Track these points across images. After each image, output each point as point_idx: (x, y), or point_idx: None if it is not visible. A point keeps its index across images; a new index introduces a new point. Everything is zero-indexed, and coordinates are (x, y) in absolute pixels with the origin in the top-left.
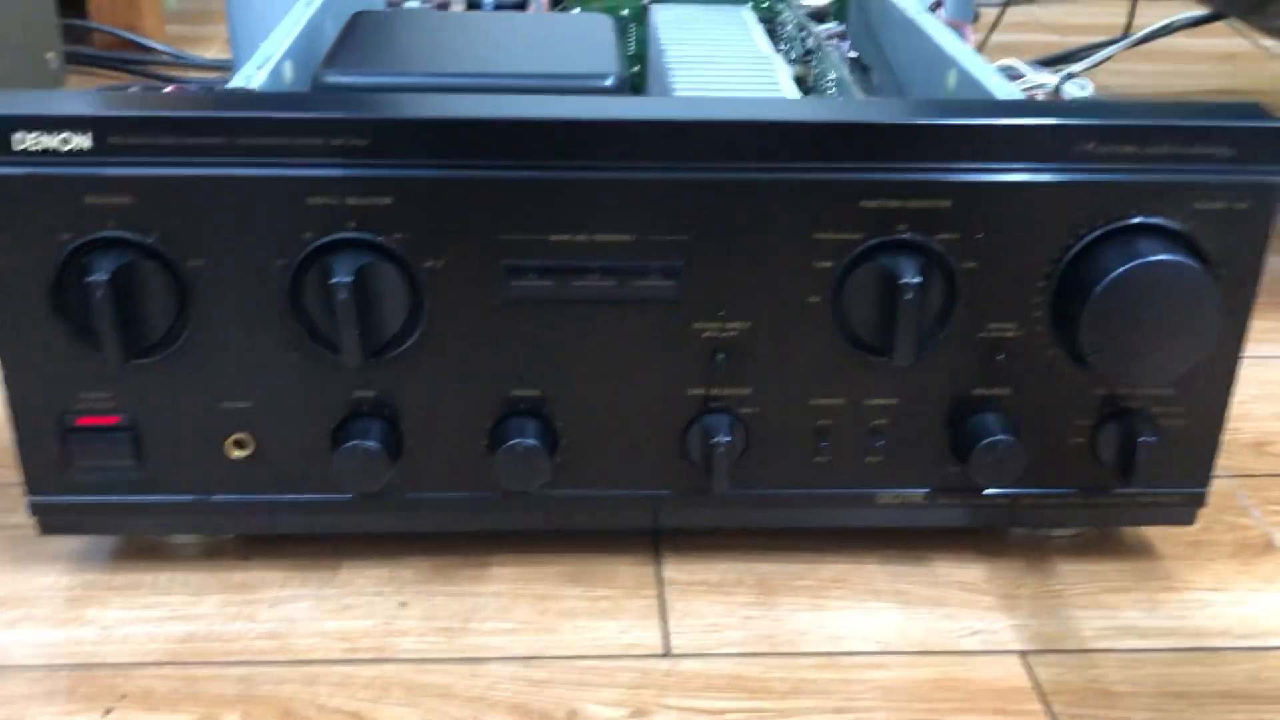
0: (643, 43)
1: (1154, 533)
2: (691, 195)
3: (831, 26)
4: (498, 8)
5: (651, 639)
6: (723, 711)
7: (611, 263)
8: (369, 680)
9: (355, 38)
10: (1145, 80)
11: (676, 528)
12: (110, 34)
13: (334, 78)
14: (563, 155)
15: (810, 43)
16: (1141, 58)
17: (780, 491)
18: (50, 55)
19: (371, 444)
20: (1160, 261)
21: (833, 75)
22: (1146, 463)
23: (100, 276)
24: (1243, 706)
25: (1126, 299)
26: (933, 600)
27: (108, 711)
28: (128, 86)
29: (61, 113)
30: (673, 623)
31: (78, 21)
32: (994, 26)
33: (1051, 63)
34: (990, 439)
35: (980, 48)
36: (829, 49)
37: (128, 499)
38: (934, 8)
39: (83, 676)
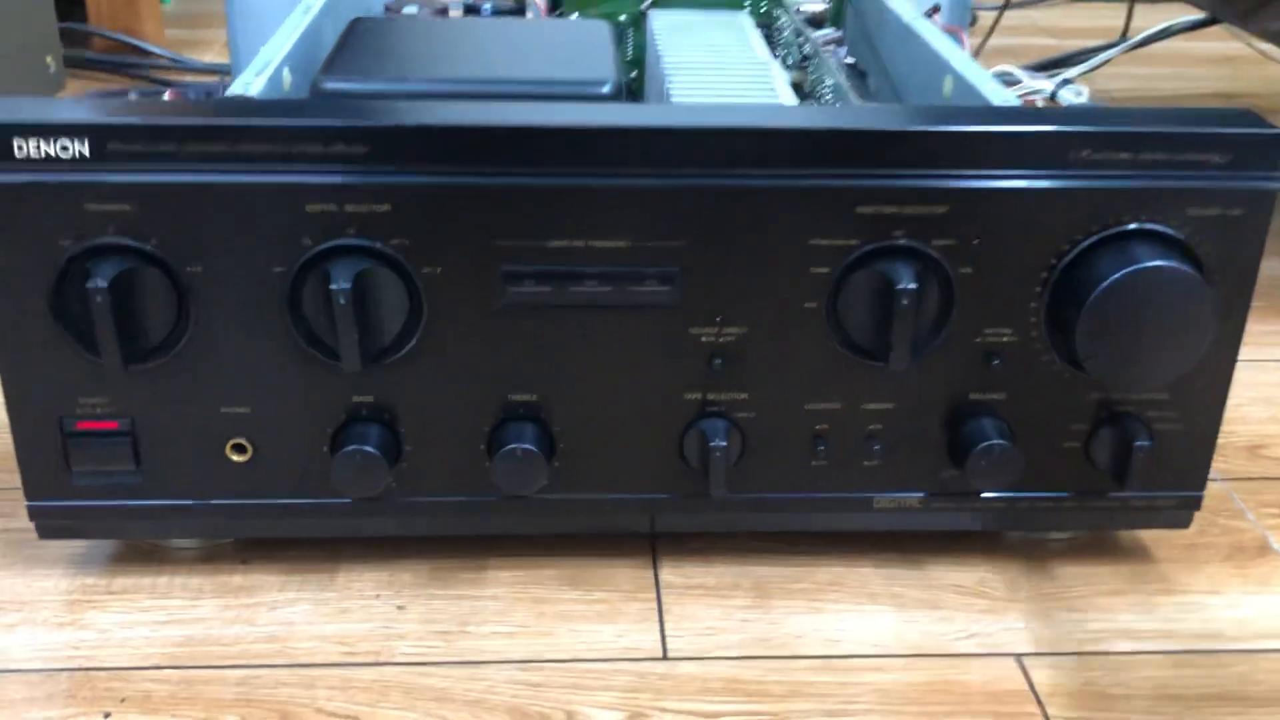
0: (640, 48)
1: (1149, 536)
2: (688, 201)
3: (828, 32)
4: (496, 14)
5: (649, 642)
6: (719, 714)
7: (609, 268)
8: (367, 683)
9: (353, 44)
10: (1142, 84)
11: (674, 531)
12: (109, 38)
13: (332, 84)
14: (560, 162)
15: (807, 48)
16: (1139, 61)
17: (777, 495)
18: (49, 59)
19: (370, 448)
20: (1155, 267)
21: (829, 81)
22: (1142, 467)
23: (100, 282)
24: (1237, 709)
25: (1122, 305)
26: (929, 603)
27: (107, 715)
28: (127, 91)
29: (61, 120)
30: (670, 626)
31: (77, 25)
32: (991, 30)
33: (1049, 66)
34: (986, 443)
35: (978, 51)
36: (826, 55)
37: (127, 503)
38: (930, 13)
39: (82, 680)
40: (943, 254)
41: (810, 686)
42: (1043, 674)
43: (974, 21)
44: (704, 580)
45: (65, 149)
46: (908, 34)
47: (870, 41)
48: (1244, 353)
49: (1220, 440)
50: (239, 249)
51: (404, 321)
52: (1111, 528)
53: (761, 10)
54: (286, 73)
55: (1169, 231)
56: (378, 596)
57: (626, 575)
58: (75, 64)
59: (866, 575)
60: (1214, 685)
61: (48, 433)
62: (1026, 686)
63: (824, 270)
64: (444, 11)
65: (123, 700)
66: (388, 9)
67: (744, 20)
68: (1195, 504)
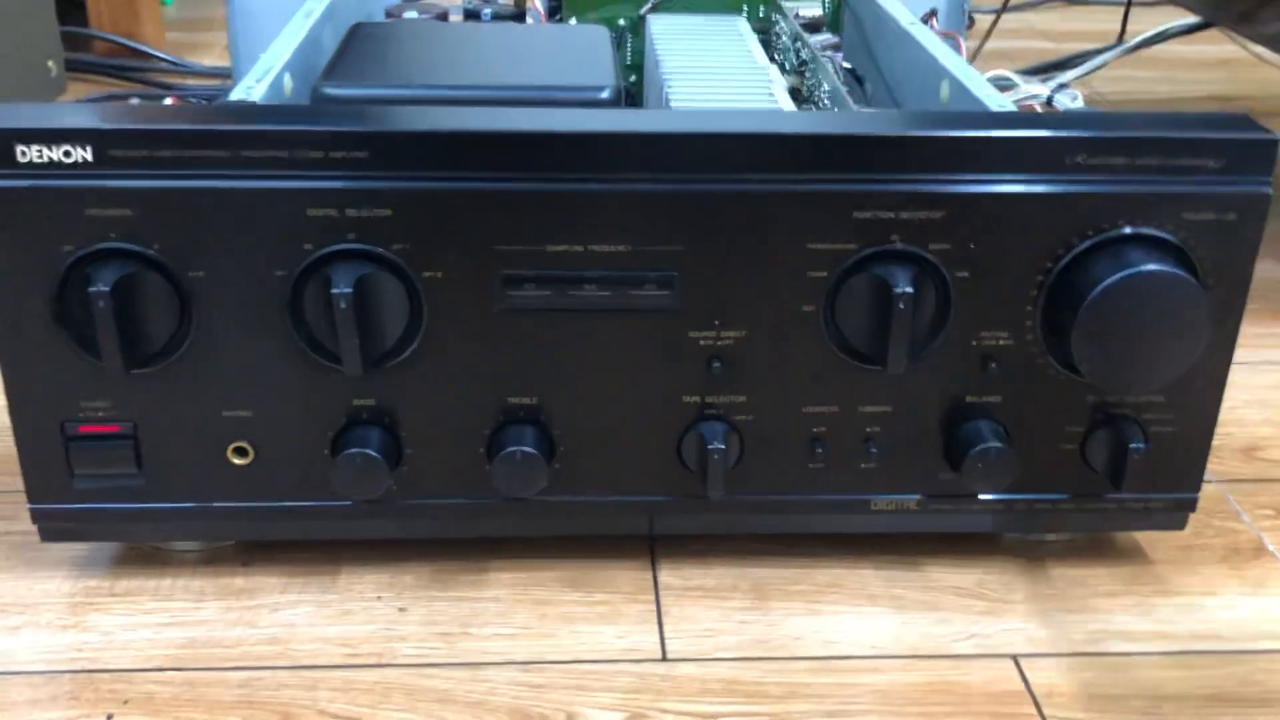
0: (639, 53)
1: (1145, 537)
2: (687, 206)
3: (826, 37)
4: (495, 19)
5: (648, 643)
6: (718, 715)
7: (608, 273)
8: (369, 685)
9: (354, 50)
10: (1139, 87)
11: (673, 533)
12: (110, 41)
13: (333, 90)
14: (560, 167)
15: (805, 54)
16: (1135, 65)
17: (775, 497)
18: (50, 63)
19: (371, 451)
20: (1150, 271)
21: (827, 86)
22: (1137, 469)
23: (102, 287)
24: (1233, 710)
25: (1117, 308)
26: (927, 605)
27: (110, 717)
28: (128, 96)
29: (63, 125)
30: (669, 627)
31: (78, 29)
32: (988, 34)
33: (1045, 70)
34: (983, 446)
35: (974, 55)
36: (823, 60)
37: (129, 506)
38: (927, 18)
39: (85, 682)
40: (939, 258)
41: (809, 687)
42: (1040, 675)
43: (971, 25)
44: (703, 582)
45: (68, 154)
46: (905, 39)
47: (867, 46)
48: (1239, 355)
49: (1215, 442)
50: (240, 253)
51: (404, 325)
52: (1108, 529)
53: (759, 16)
54: (287, 78)
55: (1164, 236)
56: (379, 598)
57: (626, 577)
58: (76, 67)
59: (865, 577)
60: (1210, 686)
61: (50, 436)
62: (1024, 687)
63: (822, 274)
64: (444, 17)
65: (126, 702)
66: (388, 14)
67: (742, 25)
68: (1191, 506)
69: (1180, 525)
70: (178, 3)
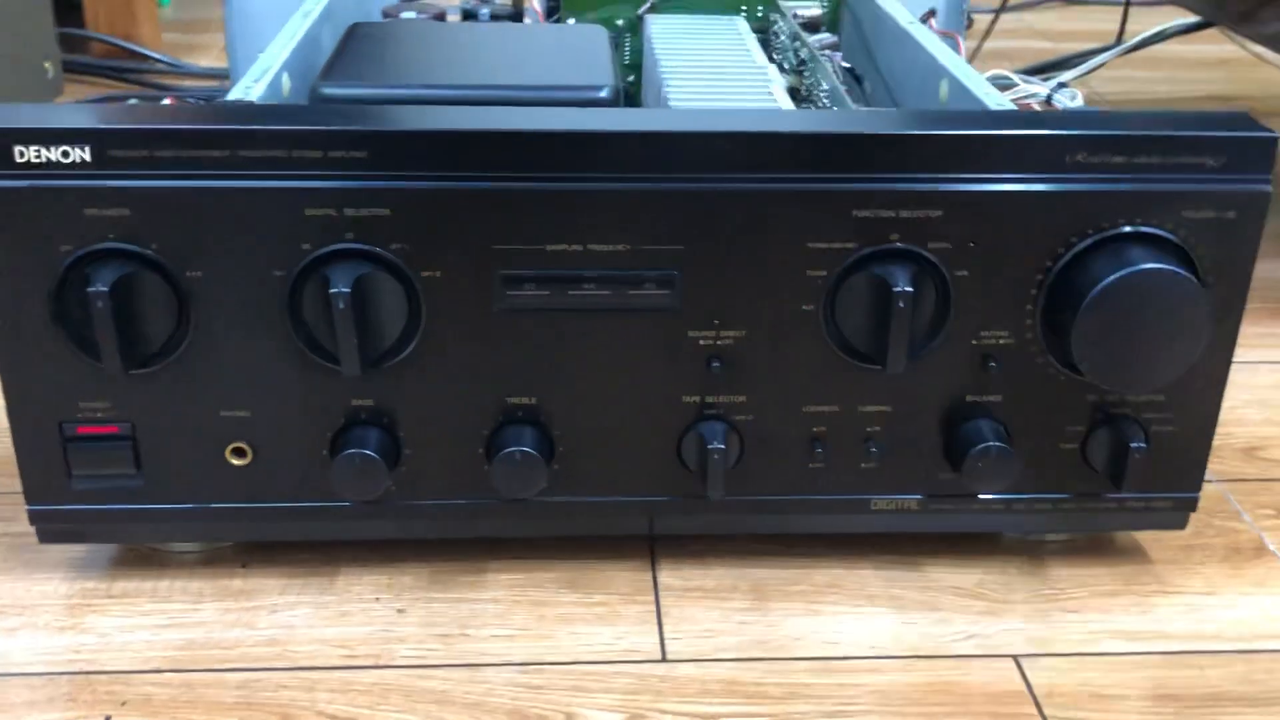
0: (638, 53)
1: (1146, 537)
2: (686, 205)
3: (825, 37)
4: (493, 19)
5: (648, 644)
6: (718, 716)
7: (607, 272)
8: (368, 686)
9: (352, 50)
10: (1138, 87)
11: (672, 534)
12: (107, 43)
13: (331, 89)
14: (558, 166)
15: (804, 53)
16: (1134, 64)
17: (775, 497)
18: (48, 65)
19: (369, 452)
20: (1150, 270)
21: (826, 86)
22: (1138, 469)
23: (100, 287)
24: (1233, 709)
25: (1117, 307)
26: (926, 605)
27: (108, 718)
28: (126, 97)
29: (62, 126)
30: (669, 628)
31: (75, 30)
32: (987, 33)
33: (1044, 70)
34: (983, 445)
35: (973, 55)
36: (822, 59)
37: (127, 507)
38: (926, 18)
39: (83, 683)
40: (939, 257)
41: (809, 688)
42: (1040, 675)
43: (970, 25)
44: (703, 582)
45: (66, 154)
46: (904, 38)
47: (866, 46)
48: (1239, 355)
49: (1216, 442)
50: (239, 253)
51: (403, 325)
52: (1108, 529)
53: (758, 15)
54: (285, 78)
55: (1164, 234)
56: (378, 600)
57: (625, 578)
58: (73, 69)
59: (865, 577)
60: (1210, 686)
61: (48, 437)
62: (1024, 687)
63: (821, 273)
64: (442, 17)
65: (123, 703)
66: (385, 14)
67: (741, 25)
68: (1191, 505)
69: (1181, 525)
70: (174, 4)
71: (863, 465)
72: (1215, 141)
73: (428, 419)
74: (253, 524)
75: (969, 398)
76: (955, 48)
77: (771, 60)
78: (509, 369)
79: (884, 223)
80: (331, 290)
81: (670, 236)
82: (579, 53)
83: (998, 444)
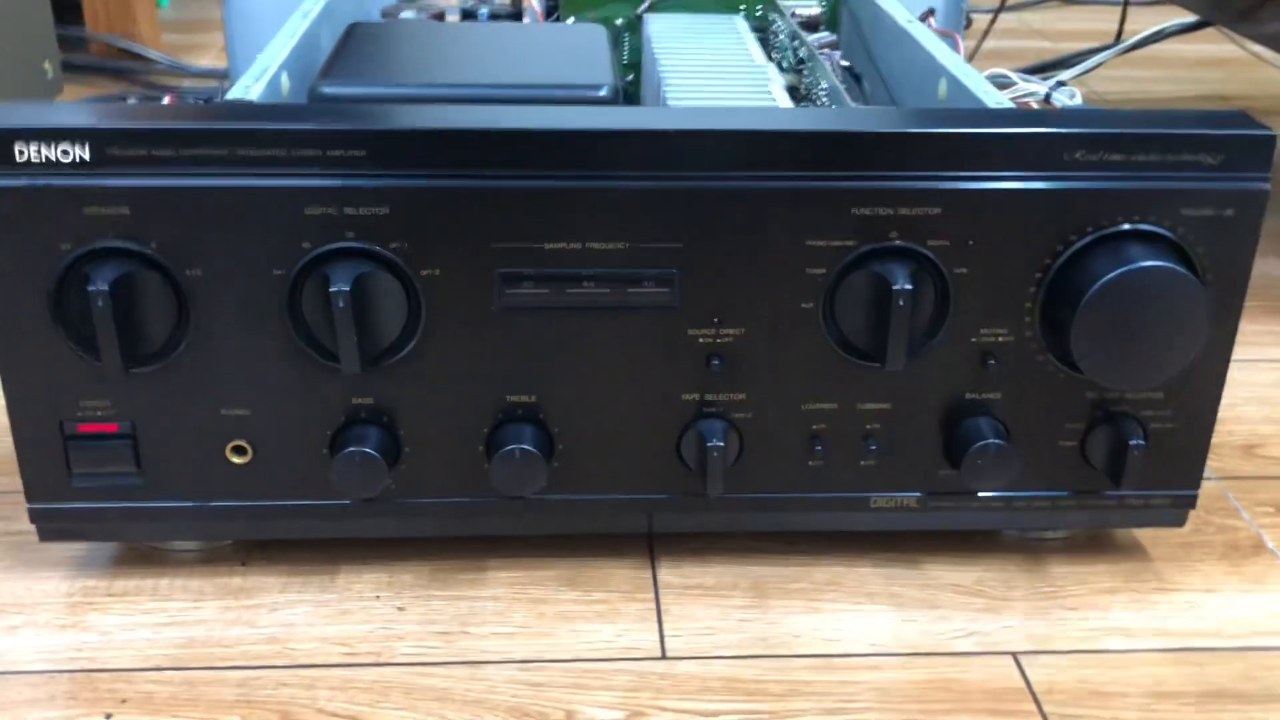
0: (637, 52)
1: (1145, 534)
2: (685, 203)
3: (824, 36)
4: (492, 18)
5: (648, 642)
6: (718, 714)
7: (606, 270)
8: (368, 684)
9: (351, 49)
10: (1136, 86)
11: (672, 532)
12: (106, 43)
13: (330, 89)
14: (557, 165)
15: (803, 52)
16: (1133, 64)
17: (774, 495)
18: (47, 65)
19: (369, 450)
20: (1149, 267)
21: (825, 84)
22: (1137, 466)
23: (100, 286)
24: (1232, 706)
25: (1116, 304)
26: (926, 602)
27: (108, 716)
28: (126, 96)
29: (61, 124)
30: (668, 626)
31: (74, 30)
32: (986, 33)
33: (1043, 69)
34: (982, 443)
35: (972, 54)
36: (821, 58)
37: (127, 505)
38: (925, 17)
39: (83, 681)
40: (938, 255)
41: (809, 685)
42: (1040, 672)
43: (969, 24)
44: (702, 580)
45: (66, 153)
46: (903, 37)
47: (865, 45)
48: (1238, 352)
49: (1215, 440)
50: (238, 252)
51: (403, 324)
52: (1107, 526)
53: (757, 14)
54: (284, 78)
55: (1162, 232)
56: (378, 597)
57: (625, 575)
58: (73, 69)
59: (864, 575)
60: (1209, 683)
61: (49, 435)
62: (1023, 684)
63: (820, 271)
64: (441, 16)
65: (124, 701)
66: (384, 14)
67: (740, 24)
68: (1190, 503)
69: (1180, 522)
70: (173, 4)
71: (862, 463)
72: (1214, 140)
73: (427, 417)
74: (253, 522)
75: (968, 395)
76: (954, 46)
77: (770, 59)
78: (508, 367)
79: (883, 221)
80: (331, 289)
81: (669, 235)
82: (578, 52)
83: (997, 441)
